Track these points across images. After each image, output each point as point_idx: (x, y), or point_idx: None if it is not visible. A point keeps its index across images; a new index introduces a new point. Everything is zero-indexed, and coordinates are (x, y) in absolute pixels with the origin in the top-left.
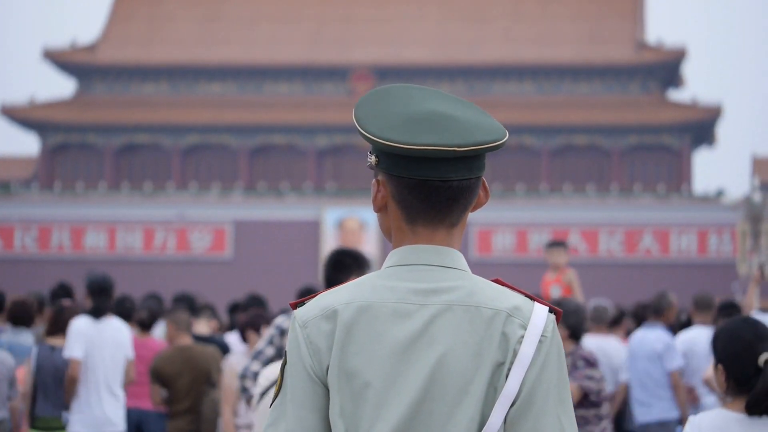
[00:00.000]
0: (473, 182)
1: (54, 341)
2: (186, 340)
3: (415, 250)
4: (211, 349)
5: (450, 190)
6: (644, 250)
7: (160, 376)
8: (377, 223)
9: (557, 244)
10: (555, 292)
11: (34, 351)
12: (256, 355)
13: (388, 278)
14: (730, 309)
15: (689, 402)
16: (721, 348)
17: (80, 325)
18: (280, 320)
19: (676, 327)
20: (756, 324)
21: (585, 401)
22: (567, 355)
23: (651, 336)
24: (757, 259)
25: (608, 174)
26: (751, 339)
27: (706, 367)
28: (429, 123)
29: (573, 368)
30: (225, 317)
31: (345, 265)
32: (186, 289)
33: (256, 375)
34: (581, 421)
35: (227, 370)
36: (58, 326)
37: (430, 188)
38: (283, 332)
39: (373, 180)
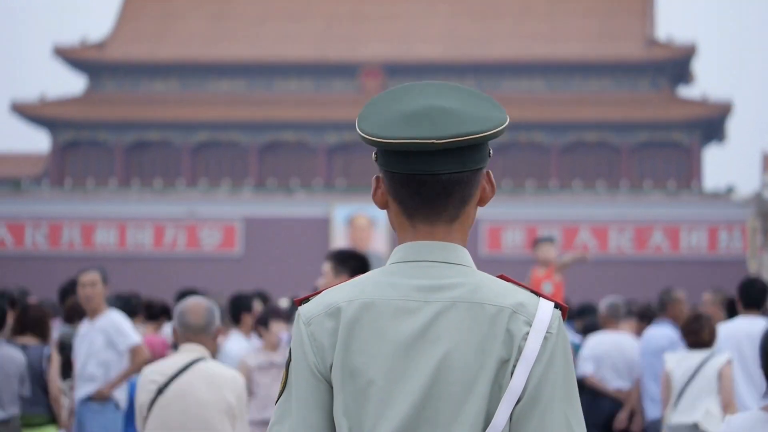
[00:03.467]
0: (468, 175)
1: (24, 340)
2: None
3: (418, 246)
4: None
5: (440, 184)
6: (654, 246)
7: None
8: (387, 219)
9: (545, 239)
10: (546, 289)
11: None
12: None
13: (392, 275)
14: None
15: None
16: (763, 350)
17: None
18: None
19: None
20: None
21: None
22: None
23: (657, 333)
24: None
25: (618, 171)
26: None
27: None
28: (420, 117)
29: None
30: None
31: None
32: (196, 286)
33: None
34: None
35: (238, 367)
36: (25, 325)
37: (419, 182)
38: None
39: (374, 176)
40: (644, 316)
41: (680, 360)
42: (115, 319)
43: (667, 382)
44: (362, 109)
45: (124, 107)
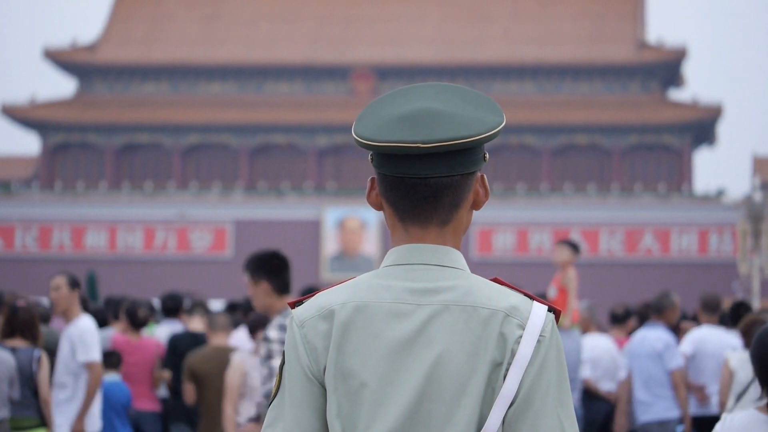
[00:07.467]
0: (458, 179)
1: (13, 343)
2: (222, 341)
3: (411, 249)
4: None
5: (429, 188)
6: (645, 249)
7: (194, 374)
8: (378, 222)
9: (559, 242)
10: (551, 293)
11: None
12: None
13: (385, 278)
14: (739, 308)
15: (699, 401)
16: (755, 351)
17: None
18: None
19: (678, 327)
20: None
21: None
22: None
23: (651, 335)
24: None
25: (609, 173)
26: None
27: (713, 366)
28: (410, 120)
29: None
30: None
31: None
32: (186, 288)
33: None
34: None
35: (232, 367)
36: (15, 328)
37: (408, 185)
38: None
39: (369, 178)
40: (642, 316)
41: (743, 360)
42: (81, 327)
43: (728, 380)
44: (362, 110)
45: (114, 109)
